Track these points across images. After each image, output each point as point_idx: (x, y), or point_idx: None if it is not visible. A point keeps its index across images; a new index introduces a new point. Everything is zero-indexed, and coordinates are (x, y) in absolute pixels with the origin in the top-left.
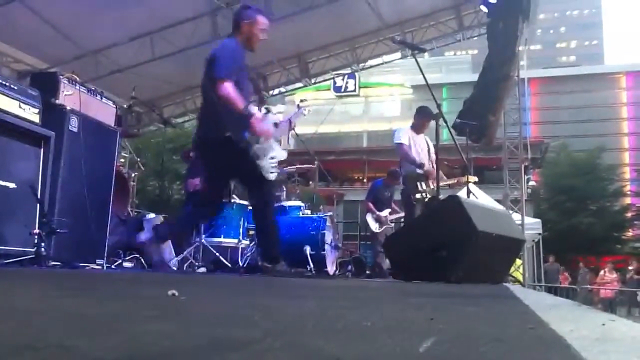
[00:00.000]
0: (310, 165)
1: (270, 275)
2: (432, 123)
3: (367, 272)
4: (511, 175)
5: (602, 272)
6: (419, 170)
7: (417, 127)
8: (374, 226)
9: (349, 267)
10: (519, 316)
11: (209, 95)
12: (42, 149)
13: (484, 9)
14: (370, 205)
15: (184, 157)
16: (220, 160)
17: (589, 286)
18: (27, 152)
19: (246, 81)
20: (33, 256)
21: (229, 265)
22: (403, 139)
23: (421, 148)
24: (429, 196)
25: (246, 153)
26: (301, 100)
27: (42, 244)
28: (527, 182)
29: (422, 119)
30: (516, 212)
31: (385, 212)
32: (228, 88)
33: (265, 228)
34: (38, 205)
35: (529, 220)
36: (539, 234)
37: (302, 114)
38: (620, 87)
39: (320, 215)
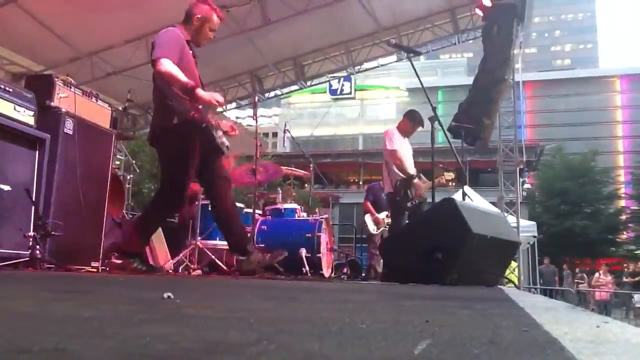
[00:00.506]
0: (306, 171)
1: (248, 273)
2: (428, 125)
3: (363, 274)
4: (506, 178)
5: (596, 275)
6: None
7: (406, 132)
8: (372, 228)
9: (345, 270)
10: (513, 319)
11: (155, 83)
12: (37, 152)
13: (479, 12)
14: (370, 206)
15: None
16: (175, 147)
17: (571, 288)
18: (22, 155)
19: (195, 68)
20: (28, 259)
21: (225, 267)
22: (392, 144)
23: (408, 151)
24: (415, 202)
25: (199, 128)
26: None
27: (37, 247)
28: (522, 185)
29: (413, 124)
30: (511, 214)
31: (383, 215)
32: (166, 64)
33: (233, 215)
34: (33, 207)
35: (524, 222)
36: (534, 236)
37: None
38: (615, 90)
39: (316, 218)
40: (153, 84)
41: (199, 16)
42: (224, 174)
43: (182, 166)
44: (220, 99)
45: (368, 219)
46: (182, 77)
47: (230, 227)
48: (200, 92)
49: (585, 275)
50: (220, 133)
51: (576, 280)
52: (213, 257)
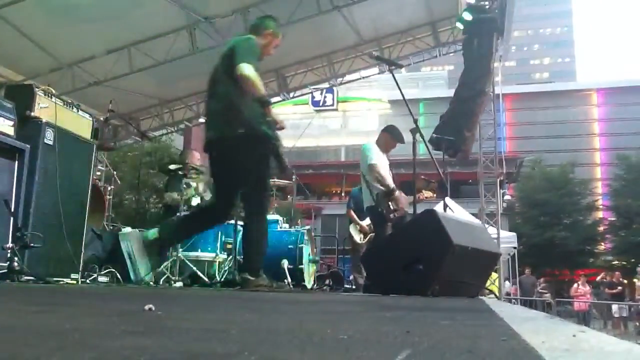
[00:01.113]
0: (288, 180)
1: (250, 289)
2: (409, 136)
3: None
4: (487, 190)
5: (575, 285)
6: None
7: (386, 147)
8: (357, 237)
9: (327, 281)
10: (492, 329)
11: (226, 89)
12: (16, 162)
13: (459, 25)
14: (353, 214)
15: (163, 170)
16: (233, 159)
17: (544, 298)
18: (1, 165)
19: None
20: (6, 271)
21: (206, 279)
22: (373, 159)
23: (385, 166)
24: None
25: (266, 148)
26: None
27: (16, 259)
28: (503, 196)
29: (393, 139)
30: (492, 225)
31: (366, 222)
32: (250, 70)
33: (259, 237)
34: (12, 219)
35: (504, 234)
36: (514, 247)
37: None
38: (592, 103)
39: (298, 229)
40: (213, 92)
41: (270, 31)
42: (267, 205)
43: (237, 177)
44: (284, 125)
45: (353, 228)
46: (261, 86)
47: (256, 248)
48: (270, 108)
49: (547, 286)
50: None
51: (540, 290)
52: (194, 268)
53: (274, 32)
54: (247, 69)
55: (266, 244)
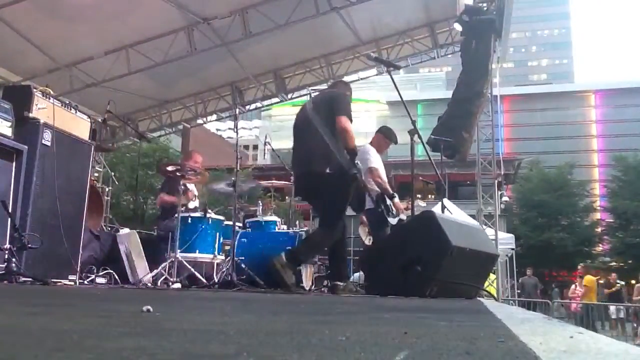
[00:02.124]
0: (286, 181)
1: (340, 293)
2: (407, 138)
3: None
4: (484, 191)
5: (573, 286)
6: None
7: (379, 147)
8: (366, 239)
9: (325, 283)
10: (490, 330)
11: (320, 130)
12: (14, 163)
13: (457, 27)
14: (362, 217)
15: (161, 171)
16: (323, 191)
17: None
18: None
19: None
20: (3, 272)
21: (204, 280)
22: (374, 162)
23: (383, 168)
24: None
25: (350, 185)
26: None
27: (13, 260)
28: (501, 198)
29: (388, 141)
30: (490, 227)
31: None
32: (349, 124)
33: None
34: (9, 219)
35: (502, 235)
36: (512, 249)
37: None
38: (590, 105)
39: (297, 230)
40: (307, 132)
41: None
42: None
43: (333, 207)
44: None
45: (361, 230)
46: (354, 140)
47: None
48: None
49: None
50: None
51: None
52: (192, 270)
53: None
54: (344, 123)
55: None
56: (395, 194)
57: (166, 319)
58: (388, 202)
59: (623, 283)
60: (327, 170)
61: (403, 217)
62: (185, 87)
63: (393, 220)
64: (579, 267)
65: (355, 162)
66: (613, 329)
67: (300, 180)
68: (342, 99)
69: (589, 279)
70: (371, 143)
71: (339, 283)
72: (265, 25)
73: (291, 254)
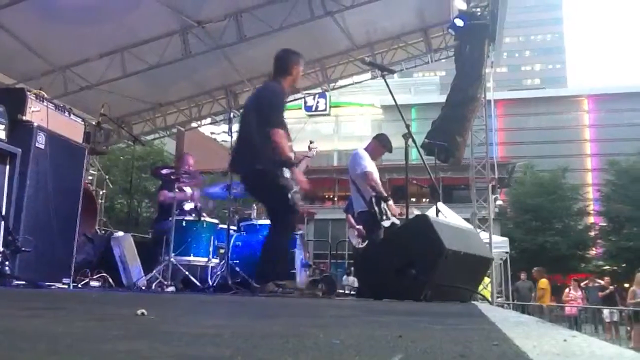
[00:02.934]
0: None
1: (262, 294)
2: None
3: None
4: (479, 195)
5: (567, 290)
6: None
7: (375, 155)
8: (355, 242)
9: (320, 286)
10: (484, 333)
11: (253, 136)
12: (7, 166)
13: (451, 32)
14: (351, 218)
15: (155, 173)
16: (258, 189)
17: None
18: None
19: (286, 126)
20: None
21: (199, 284)
22: (368, 166)
23: (376, 172)
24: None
25: (281, 185)
26: (310, 142)
27: (7, 263)
28: (495, 202)
29: (381, 147)
30: (484, 230)
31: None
32: (282, 137)
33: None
34: (2, 222)
35: (496, 238)
36: (507, 252)
37: (313, 155)
38: (583, 109)
39: None
40: (243, 132)
41: (296, 65)
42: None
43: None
44: (307, 187)
45: (351, 233)
46: (288, 151)
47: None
48: (296, 171)
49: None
50: (296, 190)
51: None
52: (187, 273)
53: (298, 65)
54: (277, 136)
55: (279, 257)
56: (390, 198)
57: (160, 322)
58: (383, 205)
59: (615, 286)
60: (257, 167)
61: (396, 221)
62: (179, 90)
63: (386, 223)
64: (533, 271)
65: (284, 170)
66: (607, 332)
67: (246, 180)
68: (275, 102)
69: (543, 282)
70: (366, 148)
71: (254, 284)
72: (259, 29)
73: (262, 274)
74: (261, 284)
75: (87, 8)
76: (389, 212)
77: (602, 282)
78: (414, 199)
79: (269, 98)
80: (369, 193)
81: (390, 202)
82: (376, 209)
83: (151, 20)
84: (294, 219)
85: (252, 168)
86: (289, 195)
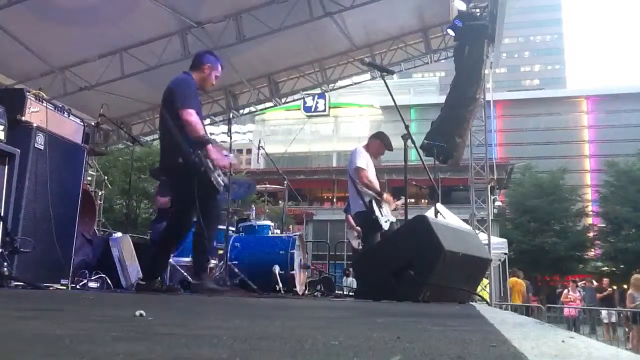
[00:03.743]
0: (280, 185)
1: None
2: (401, 142)
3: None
4: (477, 196)
5: (565, 291)
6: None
7: (375, 153)
8: (355, 243)
9: (318, 287)
10: (482, 334)
11: (167, 124)
12: (6, 167)
13: (451, 32)
14: (350, 219)
15: (154, 174)
16: (181, 183)
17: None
18: None
19: (201, 112)
20: None
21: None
22: (361, 162)
23: (372, 171)
24: (388, 221)
25: (198, 170)
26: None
27: (5, 264)
28: (493, 203)
29: (383, 147)
30: (483, 231)
31: None
32: (193, 115)
33: (203, 243)
34: (1, 223)
35: (495, 239)
36: (505, 253)
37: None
38: (582, 110)
39: (290, 235)
40: (161, 122)
41: (209, 65)
42: (213, 210)
43: (184, 197)
44: (233, 161)
45: (351, 235)
46: (202, 130)
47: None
48: (210, 149)
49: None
50: (218, 172)
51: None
52: (185, 274)
53: (211, 66)
54: (187, 115)
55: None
56: (384, 193)
57: (159, 323)
58: (377, 211)
59: (614, 287)
60: (180, 160)
61: (392, 218)
62: None
63: (386, 225)
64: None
65: (198, 152)
66: (606, 334)
67: (172, 176)
68: (180, 88)
69: (512, 280)
70: (365, 146)
71: (196, 282)
72: (259, 30)
73: (202, 269)
74: (202, 280)
75: (86, 9)
76: (386, 211)
77: (597, 284)
78: (412, 200)
79: (173, 85)
80: (367, 194)
81: (386, 195)
82: (376, 211)
83: (150, 21)
84: (219, 206)
85: (175, 164)
86: (212, 179)
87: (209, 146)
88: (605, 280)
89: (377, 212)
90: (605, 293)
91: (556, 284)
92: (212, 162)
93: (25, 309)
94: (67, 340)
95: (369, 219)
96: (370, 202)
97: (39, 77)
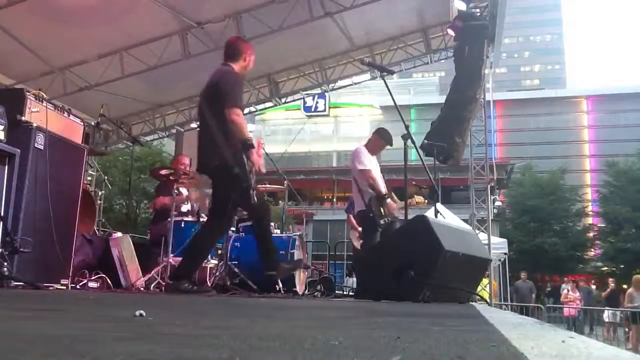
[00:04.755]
0: (280, 185)
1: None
2: (401, 142)
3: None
4: (477, 196)
5: (565, 291)
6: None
7: (376, 150)
8: (357, 243)
9: (318, 287)
10: (482, 334)
11: (209, 122)
12: (6, 167)
13: (451, 32)
14: (352, 219)
15: (154, 174)
16: (220, 184)
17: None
18: None
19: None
20: None
21: (197, 285)
22: (364, 163)
23: (377, 169)
24: (388, 219)
25: (239, 177)
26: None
27: (5, 264)
28: (493, 203)
29: (383, 142)
30: (482, 231)
31: None
32: (240, 116)
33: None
34: (1, 223)
35: (495, 239)
36: (505, 253)
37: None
38: (582, 110)
39: (290, 235)
40: (201, 119)
41: (249, 51)
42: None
43: (223, 200)
44: (263, 170)
45: (353, 235)
46: (247, 131)
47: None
48: (253, 151)
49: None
50: (253, 175)
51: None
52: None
53: (251, 51)
54: (235, 115)
55: (200, 255)
56: (389, 196)
57: (159, 323)
58: (376, 209)
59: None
60: (216, 164)
61: (397, 214)
62: (179, 91)
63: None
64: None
65: (243, 156)
66: (606, 333)
67: (213, 179)
68: (230, 85)
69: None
70: (367, 144)
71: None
72: (259, 30)
73: (187, 269)
74: (181, 280)
75: (86, 9)
76: (386, 211)
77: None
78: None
79: (222, 81)
80: (368, 193)
81: (389, 200)
82: (375, 209)
83: (150, 21)
84: (230, 218)
85: (213, 165)
86: (249, 191)
87: (253, 150)
88: (612, 280)
89: (375, 210)
90: (608, 290)
91: (559, 284)
92: (250, 165)
93: (25, 309)
94: (67, 340)
95: (367, 217)
96: (370, 200)
97: (39, 77)
